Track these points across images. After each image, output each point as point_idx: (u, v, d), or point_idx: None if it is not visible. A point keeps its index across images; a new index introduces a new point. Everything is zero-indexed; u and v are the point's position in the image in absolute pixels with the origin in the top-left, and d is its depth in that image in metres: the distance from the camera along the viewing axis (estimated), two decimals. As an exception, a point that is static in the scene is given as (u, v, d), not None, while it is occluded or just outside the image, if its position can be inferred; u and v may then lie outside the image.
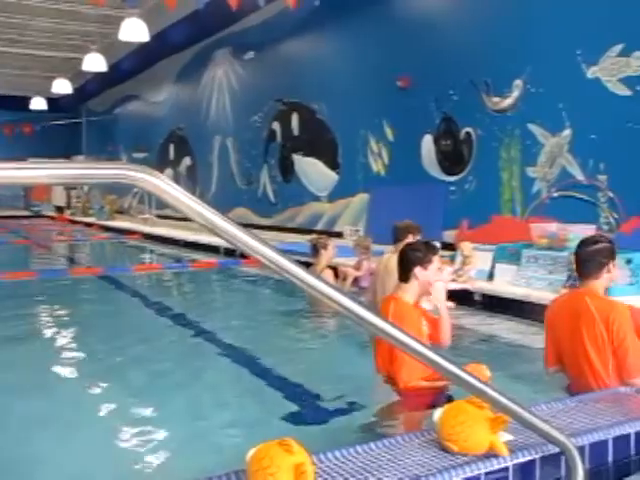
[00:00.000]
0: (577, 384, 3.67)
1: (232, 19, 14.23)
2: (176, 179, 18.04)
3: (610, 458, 2.57)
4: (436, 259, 3.91)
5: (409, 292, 3.81)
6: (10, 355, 5.13)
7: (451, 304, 5.61)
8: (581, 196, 7.62)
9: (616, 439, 2.58)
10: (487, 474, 2.29)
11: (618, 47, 7.15)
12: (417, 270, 3.78)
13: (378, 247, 7.46)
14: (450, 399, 3.44)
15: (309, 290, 1.79)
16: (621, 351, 3.48)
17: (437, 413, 2.45)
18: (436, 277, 3.94)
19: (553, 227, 6.56)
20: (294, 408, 3.70)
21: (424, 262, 3.79)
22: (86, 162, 1.49)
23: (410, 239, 6.02)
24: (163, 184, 1.58)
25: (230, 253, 11.23)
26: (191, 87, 18.30)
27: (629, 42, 7.04)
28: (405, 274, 3.82)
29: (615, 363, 3.50)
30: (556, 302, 3.92)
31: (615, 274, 3.72)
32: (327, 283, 1.83)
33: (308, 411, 3.66)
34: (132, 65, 19.49)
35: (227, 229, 1.66)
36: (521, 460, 2.36)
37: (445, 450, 2.39)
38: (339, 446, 2.42)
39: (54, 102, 25.70)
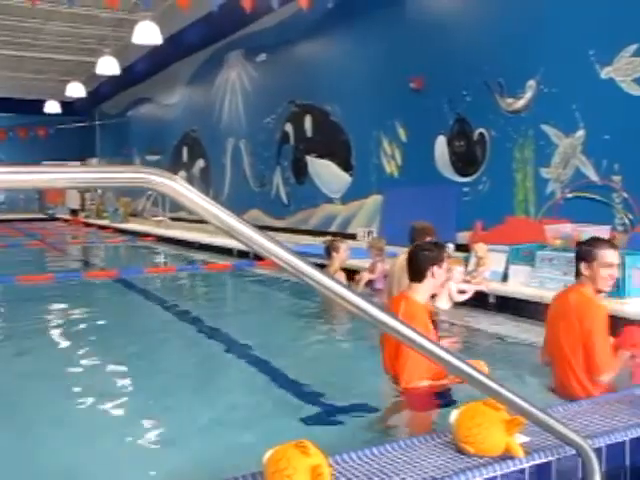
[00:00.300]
0: (556, 378, 3.75)
1: (245, 21, 14.27)
2: (190, 181, 17.98)
3: (627, 460, 2.56)
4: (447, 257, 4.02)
5: (421, 292, 3.86)
6: (25, 357, 5.17)
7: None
8: (595, 197, 7.58)
9: (633, 441, 2.57)
10: (503, 476, 2.29)
11: (632, 47, 7.11)
12: (435, 269, 3.84)
13: (392, 248, 7.46)
14: (452, 400, 3.48)
15: (323, 291, 1.80)
16: (588, 346, 3.60)
17: (453, 415, 2.45)
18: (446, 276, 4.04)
19: (567, 228, 6.53)
20: (309, 410, 3.70)
21: (439, 261, 3.87)
22: (104, 166, 1.50)
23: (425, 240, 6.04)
24: (181, 188, 1.60)
25: (244, 255, 11.25)
26: (204, 89, 18.36)
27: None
28: (420, 274, 3.86)
29: (584, 358, 3.61)
30: (554, 297, 4.06)
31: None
32: (341, 284, 1.84)
33: (323, 413, 3.66)
34: (145, 68, 19.59)
35: (243, 231, 1.68)
36: (537, 462, 2.36)
37: (461, 452, 2.39)
38: (355, 448, 2.43)
39: (68, 105, 25.90)
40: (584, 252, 3.73)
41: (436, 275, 3.85)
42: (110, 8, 14.15)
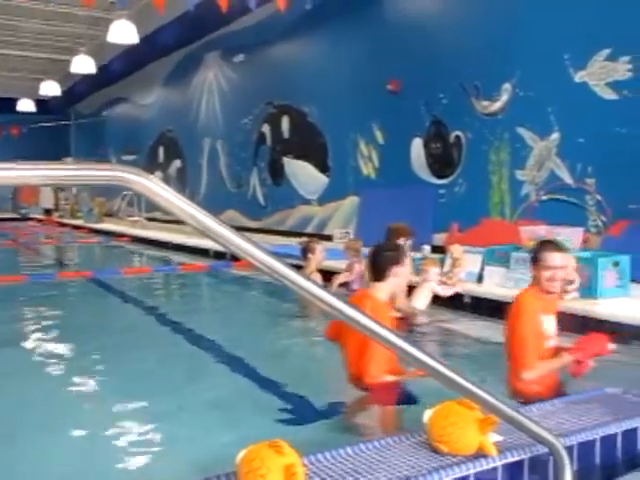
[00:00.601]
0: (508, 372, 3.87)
1: (222, 22, 14.22)
2: (166, 181, 17.92)
3: (597, 458, 2.60)
4: (408, 257, 4.14)
5: (383, 291, 3.96)
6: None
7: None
8: (569, 199, 7.67)
9: (603, 439, 2.60)
10: (476, 474, 2.31)
11: (605, 51, 7.21)
12: (397, 268, 3.95)
13: (368, 250, 7.47)
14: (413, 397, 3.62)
15: (299, 291, 1.80)
16: (512, 343, 3.77)
17: (427, 414, 2.46)
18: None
19: (542, 230, 6.59)
20: (283, 409, 3.71)
21: (400, 261, 3.99)
22: (79, 164, 1.49)
23: (401, 242, 6.07)
24: (155, 186, 1.59)
25: (220, 256, 11.21)
26: (181, 90, 18.28)
27: (616, 47, 7.10)
28: (382, 273, 3.96)
29: (512, 356, 3.77)
30: None
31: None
32: (316, 284, 1.85)
33: (297, 412, 3.67)
34: (121, 67, 19.44)
35: (219, 231, 1.67)
36: (510, 460, 2.38)
37: (435, 451, 2.40)
38: (329, 447, 2.43)
39: (42, 104, 25.60)
40: (532, 255, 3.89)
41: (398, 274, 3.97)
42: (87, 6, 14.03)
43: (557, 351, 3.73)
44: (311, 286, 1.81)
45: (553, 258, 3.74)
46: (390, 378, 3.71)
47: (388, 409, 3.78)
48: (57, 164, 1.48)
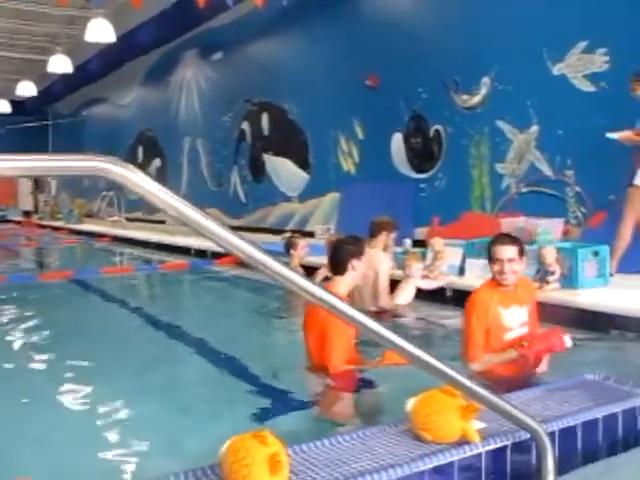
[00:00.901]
0: None
1: (200, 20, 14.17)
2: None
3: (579, 443, 2.62)
4: (366, 251, 4.21)
5: (343, 284, 4.01)
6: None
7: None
8: (549, 191, 7.73)
9: (585, 424, 2.63)
10: (460, 461, 2.33)
11: (582, 44, 7.27)
12: (355, 262, 4.01)
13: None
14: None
15: (275, 276, 1.80)
16: (462, 335, 3.96)
17: (410, 402, 2.47)
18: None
19: (521, 221, 6.64)
20: (265, 402, 3.73)
21: (358, 254, 4.05)
22: (58, 154, 1.48)
23: (384, 236, 6.10)
24: (135, 176, 1.58)
25: (201, 254, 11.18)
26: (160, 88, 18.20)
27: (593, 39, 7.16)
28: (341, 267, 4.02)
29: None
30: None
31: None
32: (295, 272, 1.85)
33: (280, 405, 3.69)
34: (99, 67, 19.28)
35: (198, 220, 1.66)
36: (493, 447, 2.40)
37: (419, 439, 2.41)
38: (313, 438, 2.44)
39: (19, 105, 25.35)
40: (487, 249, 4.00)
41: (356, 268, 4.03)
42: (61, 6, 13.91)
43: (520, 342, 3.79)
44: (286, 271, 1.81)
45: (500, 251, 3.82)
46: (350, 367, 3.80)
47: (350, 396, 3.85)
48: (36, 155, 1.47)
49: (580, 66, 7.32)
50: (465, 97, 8.86)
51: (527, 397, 2.87)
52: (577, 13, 7.31)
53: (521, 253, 3.84)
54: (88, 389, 4.25)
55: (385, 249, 6.25)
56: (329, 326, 3.66)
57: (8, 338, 6.04)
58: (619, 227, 6.17)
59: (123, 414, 3.66)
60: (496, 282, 3.88)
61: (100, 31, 13.93)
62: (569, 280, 5.71)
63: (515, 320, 3.89)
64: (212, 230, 1.69)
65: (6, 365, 4.97)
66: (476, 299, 3.92)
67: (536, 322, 4.06)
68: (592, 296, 5.47)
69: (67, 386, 4.35)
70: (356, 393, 3.83)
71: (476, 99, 8.73)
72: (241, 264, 9.00)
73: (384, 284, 5.87)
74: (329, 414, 3.66)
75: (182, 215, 1.64)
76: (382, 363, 3.66)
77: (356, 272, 4.04)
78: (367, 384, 3.79)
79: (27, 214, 27.36)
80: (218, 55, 15.03)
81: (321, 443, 2.41)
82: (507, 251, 3.80)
